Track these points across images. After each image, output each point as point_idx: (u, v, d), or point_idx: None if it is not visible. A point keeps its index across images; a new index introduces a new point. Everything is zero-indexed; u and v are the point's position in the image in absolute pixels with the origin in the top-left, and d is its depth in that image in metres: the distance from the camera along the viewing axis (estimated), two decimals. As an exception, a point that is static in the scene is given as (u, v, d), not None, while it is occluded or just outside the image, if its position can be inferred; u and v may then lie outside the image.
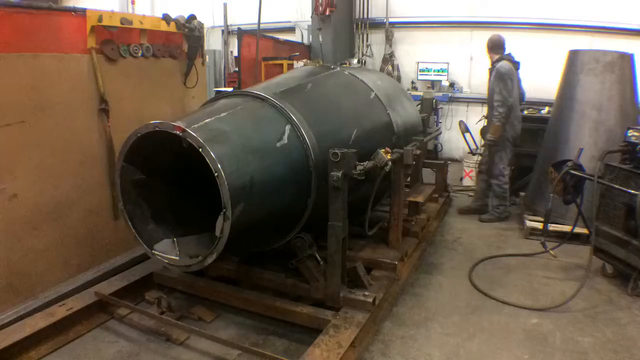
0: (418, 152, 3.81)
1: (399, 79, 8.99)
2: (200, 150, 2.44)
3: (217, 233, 2.51)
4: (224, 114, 2.86)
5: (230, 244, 2.53)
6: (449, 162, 6.27)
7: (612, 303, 3.59)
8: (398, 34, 9.23)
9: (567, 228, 4.46)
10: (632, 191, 3.60)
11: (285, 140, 2.90)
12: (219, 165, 2.40)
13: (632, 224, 3.63)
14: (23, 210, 3.18)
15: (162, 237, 2.94)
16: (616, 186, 3.76)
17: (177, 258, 2.81)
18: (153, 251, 2.84)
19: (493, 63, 5.31)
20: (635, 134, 3.78)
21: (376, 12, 9.30)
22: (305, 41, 9.68)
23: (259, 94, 3.10)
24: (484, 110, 7.38)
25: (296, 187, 2.95)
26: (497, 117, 5.14)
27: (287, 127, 2.96)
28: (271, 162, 2.79)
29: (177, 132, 2.49)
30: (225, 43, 10.10)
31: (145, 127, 2.63)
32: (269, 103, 3.04)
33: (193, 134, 2.45)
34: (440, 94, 8.63)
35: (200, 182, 2.99)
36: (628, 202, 3.67)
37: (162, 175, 3.02)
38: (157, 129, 2.58)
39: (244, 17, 9.52)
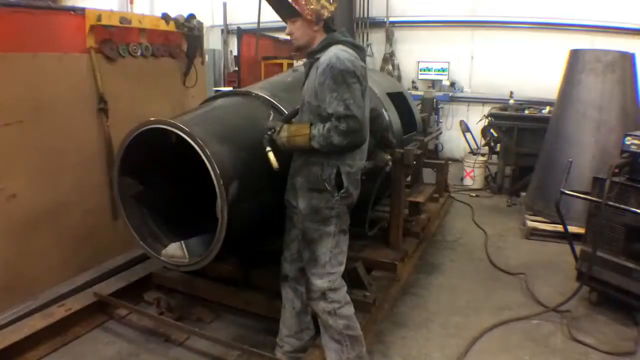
0: (418, 152, 3.80)
1: (399, 78, 8.98)
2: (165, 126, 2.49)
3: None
4: (209, 109, 2.90)
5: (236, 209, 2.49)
6: (450, 161, 6.24)
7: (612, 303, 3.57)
8: (398, 34, 9.20)
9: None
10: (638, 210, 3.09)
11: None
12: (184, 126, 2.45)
13: (637, 247, 3.23)
14: (22, 211, 3.17)
15: (163, 238, 2.92)
16: (624, 206, 3.19)
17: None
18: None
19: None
20: (636, 141, 3.30)
21: (376, 11, 9.28)
22: (306, 41, 9.65)
23: (257, 94, 3.07)
24: (485, 109, 7.40)
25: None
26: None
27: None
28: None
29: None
30: (225, 42, 10.09)
31: (140, 125, 2.64)
32: (265, 102, 3.02)
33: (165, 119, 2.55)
34: (441, 93, 8.63)
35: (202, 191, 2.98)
36: (631, 222, 3.23)
37: (163, 176, 3.01)
38: (150, 126, 2.59)
39: (243, 16, 9.50)
